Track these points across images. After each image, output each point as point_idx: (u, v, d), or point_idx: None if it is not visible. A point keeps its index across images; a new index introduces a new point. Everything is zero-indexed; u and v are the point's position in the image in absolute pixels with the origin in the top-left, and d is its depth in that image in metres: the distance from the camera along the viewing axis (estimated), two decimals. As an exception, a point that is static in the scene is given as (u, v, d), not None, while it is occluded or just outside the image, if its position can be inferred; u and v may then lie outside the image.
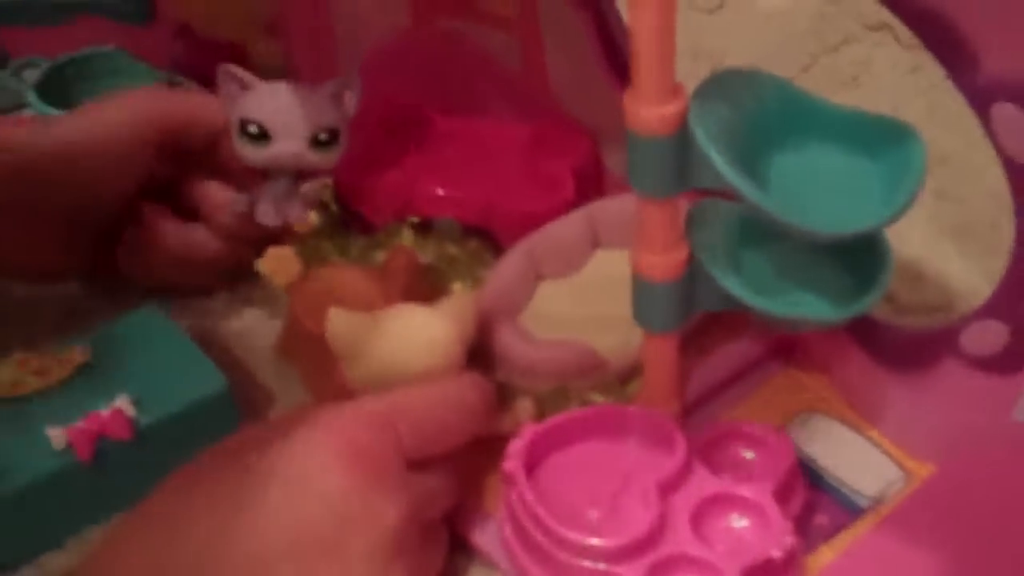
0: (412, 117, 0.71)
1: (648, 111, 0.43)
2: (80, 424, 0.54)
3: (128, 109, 0.64)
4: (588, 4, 0.63)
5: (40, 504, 0.54)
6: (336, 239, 0.67)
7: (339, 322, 0.52)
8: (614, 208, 0.63)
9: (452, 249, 0.67)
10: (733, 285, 0.48)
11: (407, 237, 0.67)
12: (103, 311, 0.67)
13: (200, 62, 0.76)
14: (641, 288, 0.49)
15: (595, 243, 0.63)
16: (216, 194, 0.65)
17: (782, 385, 0.59)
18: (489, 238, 0.68)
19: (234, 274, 0.68)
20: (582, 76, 0.66)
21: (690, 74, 0.45)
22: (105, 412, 0.55)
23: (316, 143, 0.60)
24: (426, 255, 0.66)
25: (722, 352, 0.60)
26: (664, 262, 0.48)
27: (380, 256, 0.67)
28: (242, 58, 0.77)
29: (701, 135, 0.43)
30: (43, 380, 0.57)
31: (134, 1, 0.84)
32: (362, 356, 0.52)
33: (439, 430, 0.50)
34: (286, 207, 0.62)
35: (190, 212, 0.67)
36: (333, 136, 0.60)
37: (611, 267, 0.63)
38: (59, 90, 0.80)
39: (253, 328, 0.67)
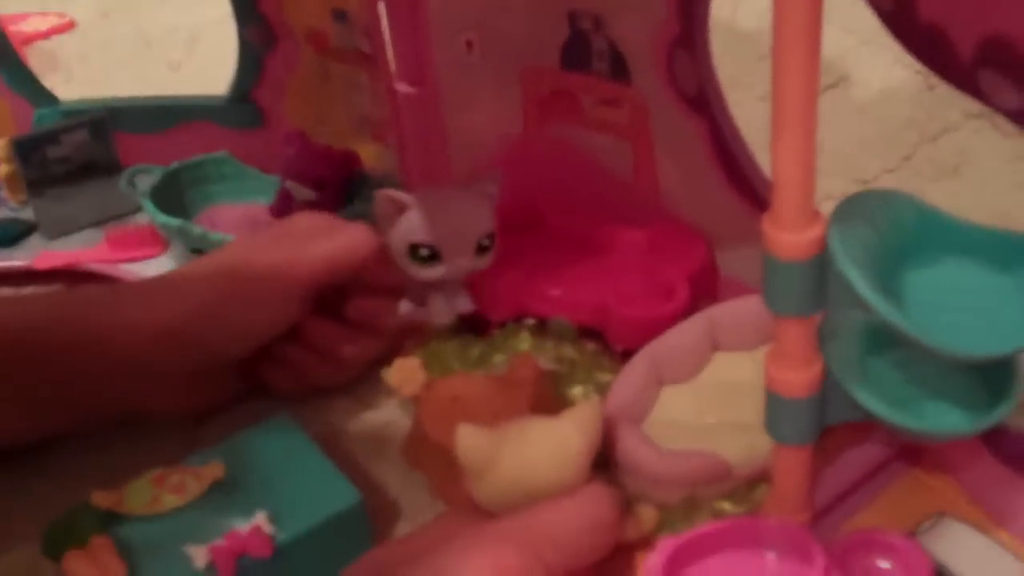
0: (527, 219, 0.72)
1: (789, 237, 0.44)
2: (221, 542, 0.55)
3: (272, 274, 0.64)
4: (701, 111, 0.64)
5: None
6: (455, 342, 0.68)
7: (468, 439, 0.52)
8: (733, 312, 0.64)
9: (570, 351, 0.68)
10: (868, 400, 0.48)
11: (526, 340, 0.68)
12: (229, 417, 0.69)
13: (312, 167, 0.78)
14: (776, 403, 0.49)
15: (714, 347, 0.64)
16: (382, 306, 0.67)
17: (908, 487, 0.59)
18: (602, 339, 0.68)
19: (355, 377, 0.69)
20: (694, 180, 0.67)
21: None
22: (244, 530, 0.55)
23: (479, 250, 0.62)
24: (544, 357, 0.67)
25: (848, 456, 0.60)
26: (800, 378, 0.48)
27: (499, 359, 0.68)
28: (354, 163, 0.79)
29: (842, 260, 0.43)
30: (180, 497, 0.58)
31: (244, 107, 0.86)
32: (491, 472, 0.52)
33: (579, 549, 0.50)
34: (455, 303, 0.64)
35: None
36: (492, 239, 0.63)
37: (730, 371, 0.63)
38: (173, 196, 0.83)
39: (375, 433, 0.68)
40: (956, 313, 0.46)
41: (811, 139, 0.42)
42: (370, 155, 0.81)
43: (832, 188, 0.83)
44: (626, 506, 0.56)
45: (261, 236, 0.68)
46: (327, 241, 0.65)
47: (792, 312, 0.46)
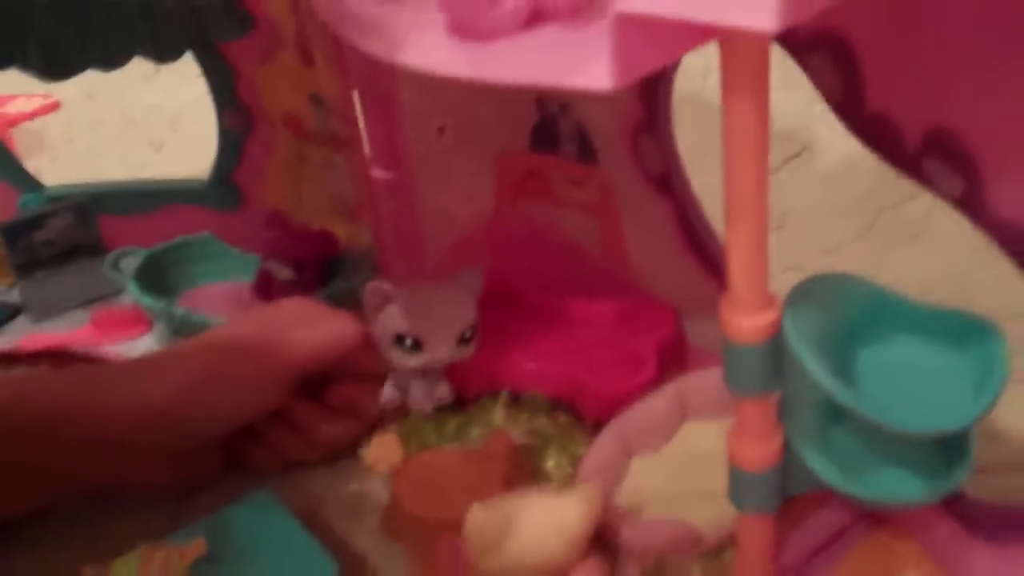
0: (500, 296, 0.74)
1: (744, 321, 0.46)
2: (204, 624, 0.57)
3: (259, 360, 0.66)
4: (665, 190, 0.66)
5: None
6: (432, 418, 0.70)
7: (479, 518, 0.54)
8: (701, 382, 0.65)
9: (544, 424, 0.69)
10: (825, 471, 0.50)
11: (500, 414, 0.70)
12: (212, 491, 0.70)
13: (291, 247, 0.80)
14: (738, 476, 0.51)
15: (683, 416, 0.66)
16: (363, 392, 0.69)
17: (872, 549, 0.60)
18: (574, 411, 0.70)
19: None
20: (661, 255, 0.69)
21: None
22: (227, 610, 0.57)
23: (461, 341, 0.65)
24: (519, 430, 0.69)
25: (814, 519, 0.61)
26: (760, 453, 0.50)
27: (475, 432, 0.69)
28: (332, 243, 0.81)
29: (796, 343, 0.46)
30: (165, 575, 0.59)
31: (224, 190, 0.88)
32: (497, 548, 0.54)
33: None
34: (435, 392, 0.67)
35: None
36: (473, 331, 0.65)
37: (699, 440, 0.65)
38: (156, 277, 0.84)
39: (354, 505, 0.69)
40: (908, 390, 0.48)
41: (763, 229, 0.44)
42: (347, 234, 0.82)
43: (797, 258, 0.85)
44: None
45: (249, 321, 0.70)
46: (314, 329, 0.67)
47: (750, 392, 0.48)
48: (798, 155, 0.97)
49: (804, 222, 0.90)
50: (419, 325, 0.64)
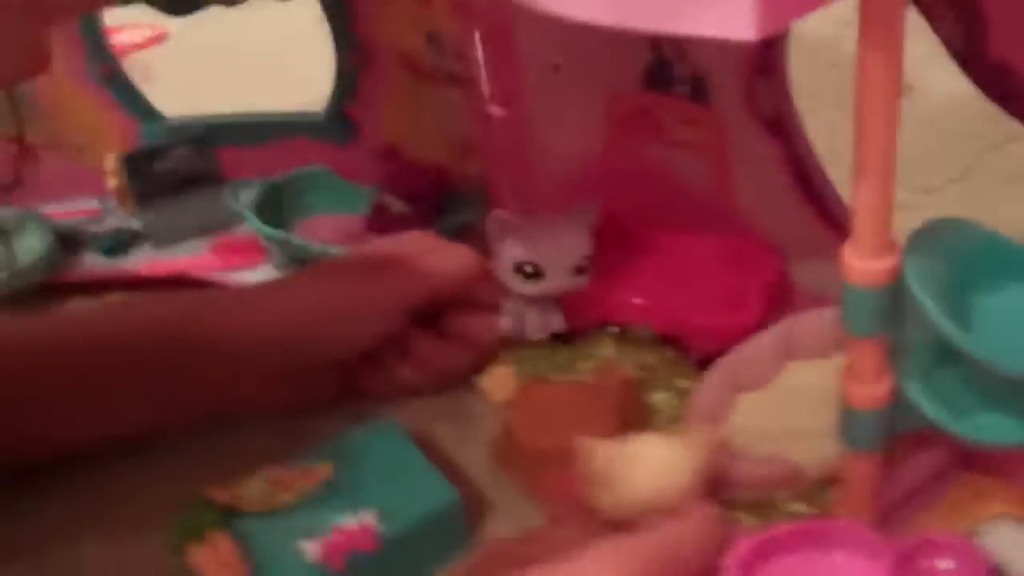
0: (610, 231, 0.75)
1: (867, 266, 0.47)
2: (332, 538, 0.59)
3: (377, 289, 0.68)
4: (778, 133, 0.67)
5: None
6: (544, 349, 0.72)
7: (596, 454, 0.56)
8: (807, 323, 0.66)
9: (650, 358, 0.71)
10: (934, 412, 0.51)
11: (609, 347, 0.72)
12: (326, 414, 0.71)
13: (407, 181, 0.82)
14: (849, 415, 0.53)
15: (789, 356, 0.67)
16: (480, 321, 0.70)
17: (968, 491, 0.61)
18: (679, 346, 0.72)
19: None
20: (770, 197, 0.70)
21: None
22: (353, 526, 0.60)
23: (577, 271, 0.67)
24: (626, 363, 0.71)
25: (912, 461, 0.62)
26: (872, 392, 0.51)
27: (584, 365, 0.71)
28: (446, 178, 0.82)
29: (917, 288, 0.47)
30: (293, 495, 0.61)
31: (339, 123, 0.90)
32: (615, 484, 0.56)
33: (693, 568, 0.53)
34: (549, 320, 0.69)
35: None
36: (589, 262, 0.67)
37: (803, 378, 0.66)
38: (273, 208, 0.86)
39: (467, 435, 0.71)
40: (1021, 336, 0.50)
41: (891, 178, 0.46)
42: (459, 170, 0.84)
43: (897, 197, 0.85)
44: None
45: (368, 251, 0.72)
46: (432, 260, 0.69)
47: (867, 334, 0.49)
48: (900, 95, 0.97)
49: (904, 162, 0.90)
50: (538, 253, 0.66)
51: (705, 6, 0.35)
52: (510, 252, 0.66)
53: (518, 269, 0.66)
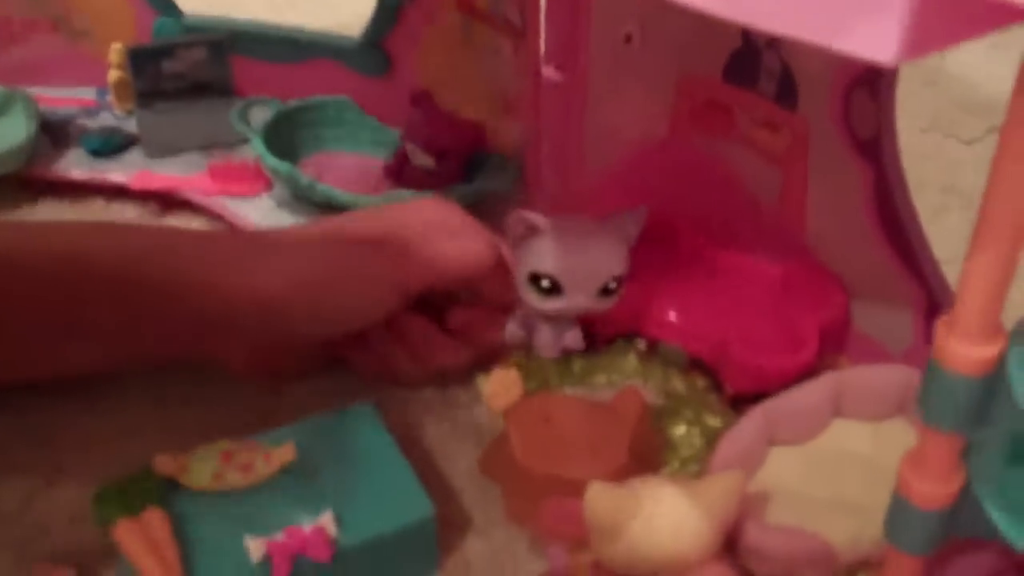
0: (657, 231, 0.67)
1: (964, 351, 0.39)
2: (281, 538, 0.52)
3: (380, 268, 0.61)
4: (869, 156, 0.59)
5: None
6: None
7: (600, 499, 0.49)
8: (863, 379, 0.59)
9: (679, 384, 0.64)
10: (1007, 526, 0.43)
11: (632, 363, 0.65)
12: (309, 385, 0.66)
13: (435, 134, 0.74)
14: (903, 508, 0.45)
15: (837, 413, 0.59)
16: (484, 321, 0.64)
17: None
18: (713, 376, 0.64)
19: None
20: (845, 225, 0.62)
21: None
22: (307, 529, 0.52)
23: (603, 292, 0.58)
24: (650, 385, 0.64)
25: (964, 561, 0.55)
26: (936, 492, 0.44)
27: (601, 378, 0.65)
28: (480, 138, 0.74)
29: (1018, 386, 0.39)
30: (246, 478, 0.55)
31: (374, 53, 0.82)
32: (617, 535, 0.49)
33: None
34: (564, 339, 0.60)
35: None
36: (619, 283, 0.58)
37: (848, 440, 0.59)
38: (284, 134, 0.79)
39: (457, 436, 0.64)
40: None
41: (1014, 259, 0.37)
42: (498, 130, 0.76)
43: (936, 144, 0.78)
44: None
45: (380, 219, 0.64)
46: (448, 244, 0.62)
47: (947, 427, 0.42)
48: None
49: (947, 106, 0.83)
50: (561, 267, 0.57)
51: (848, 17, 0.30)
52: (528, 259, 0.57)
53: (534, 280, 0.57)
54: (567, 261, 0.57)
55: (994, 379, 0.40)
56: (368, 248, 0.61)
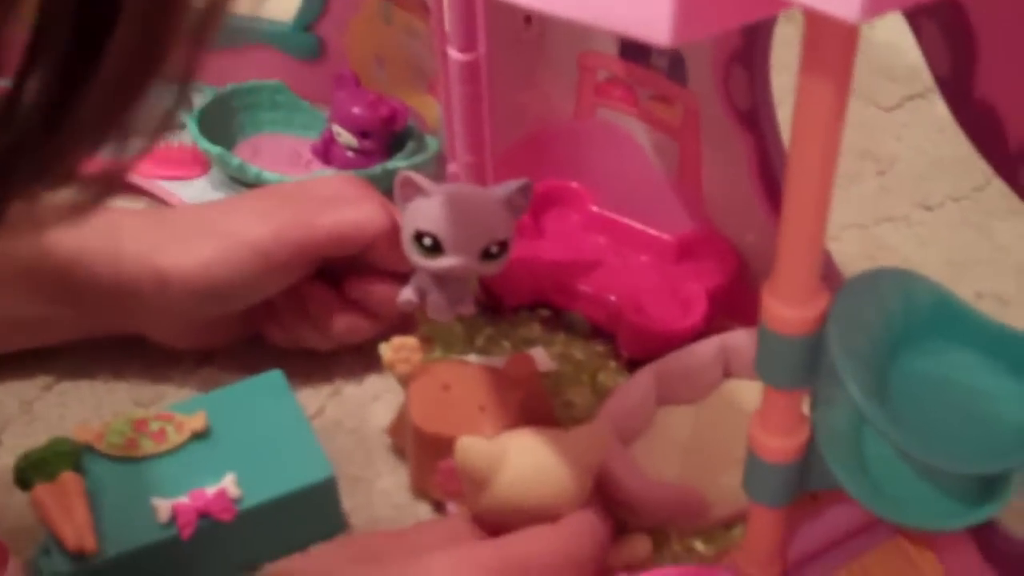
0: (562, 200, 0.70)
1: (786, 312, 0.41)
2: (185, 500, 0.55)
3: (278, 236, 0.63)
4: (750, 127, 0.61)
5: (135, 573, 0.54)
6: (465, 323, 0.67)
7: (468, 451, 0.51)
8: (748, 341, 0.61)
9: (578, 351, 0.66)
10: (849, 482, 0.45)
11: (536, 331, 0.67)
12: (234, 355, 0.69)
13: (357, 112, 0.76)
14: (755, 464, 0.47)
15: (726, 372, 0.62)
16: (381, 289, 0.66)
17: (889, 554, 0.56)
18: (613, 341, 0.66)
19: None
20: (736, 194, 0.64)
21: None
22: (210, 491, 0.55)
23: (486, 255, 0.59)
24: (551, 351, 0.66)
25: (832, 512, 0.57)
26: (782, 445, 0.46)
27: (506, 345, 0.66)
28: (401, 117, 0.76)
29: (835, 350, 0.41)
30: (157, 445, 0.58)
31: (305, 38, 0.84)
32: (489, 486, 0.51)
33: None
34: (457, 303, 0.62)
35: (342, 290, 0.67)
36: (503, 248, 0.60)
37: (738, 399, 0.61)
38: (222, 118, 0.81)
39: (369, 404, 0.67)
40: (954, 413, 0.44)
41: (823, 217, 0.40)
42: (421, 106, 0.79)
43: (895, 209, 0.79)
44: (619, 532, 0.56)
45: (274, 195, 0.67)
46: (341, 212, 0.64)
47: (780, 385, 0.44)
48: (921, 95, 0.90)
49: (910, 171, 0.84)
50: (442, 226, 0.58)
51: (626, 2, 0.32)
52: (412, 218, 0.59)
53: (418, 239, 0.59)
54: (449, 221, 0.58)
55: (816, 339, 0.42)
56: (273, 219, 0.63)
